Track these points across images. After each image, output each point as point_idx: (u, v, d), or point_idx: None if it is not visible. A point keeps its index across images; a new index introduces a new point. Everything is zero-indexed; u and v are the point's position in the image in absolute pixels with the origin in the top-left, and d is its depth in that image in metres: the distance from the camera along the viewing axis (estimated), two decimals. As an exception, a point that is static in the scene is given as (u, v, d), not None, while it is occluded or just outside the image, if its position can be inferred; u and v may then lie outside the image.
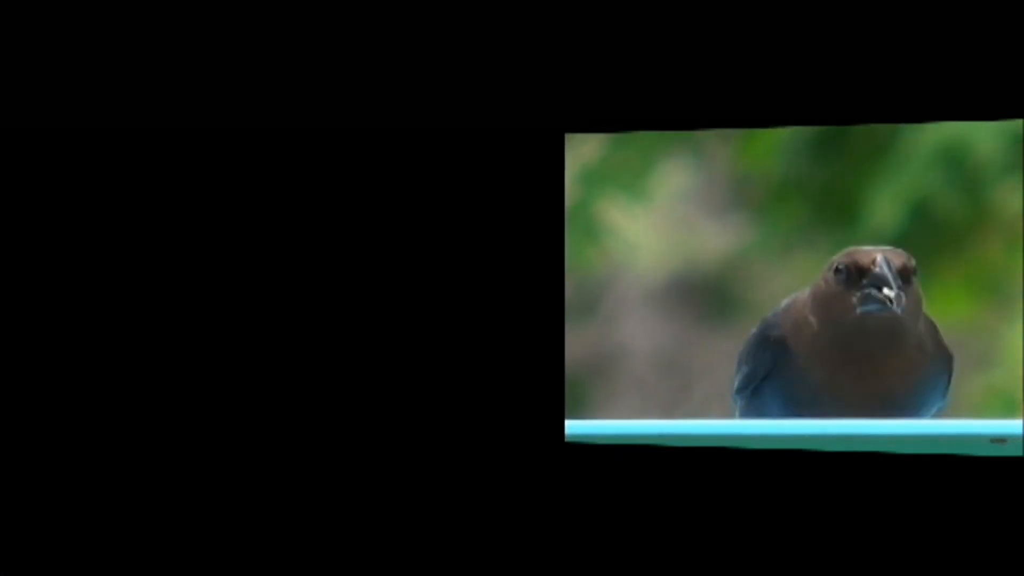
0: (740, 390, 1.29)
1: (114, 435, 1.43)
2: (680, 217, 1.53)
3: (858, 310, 1.20)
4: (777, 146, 1.54)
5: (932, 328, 1.24)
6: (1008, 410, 1.42)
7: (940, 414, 1.26)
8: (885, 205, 1.50)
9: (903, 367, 1.22)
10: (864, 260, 1.20)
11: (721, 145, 1.51)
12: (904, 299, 1.19)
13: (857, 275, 1.20)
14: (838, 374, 1.22)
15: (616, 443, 1.30)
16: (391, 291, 1.38)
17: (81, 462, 1.44)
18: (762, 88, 1.27)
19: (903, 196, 1.50)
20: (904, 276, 1.19)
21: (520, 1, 1.34)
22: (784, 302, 1.28)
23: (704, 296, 1.53)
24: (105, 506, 1.43)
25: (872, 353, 1.21)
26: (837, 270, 1.21)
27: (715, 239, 1.51)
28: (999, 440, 1.18)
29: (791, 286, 1.28)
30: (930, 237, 1.50)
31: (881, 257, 1.19)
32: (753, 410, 1.28)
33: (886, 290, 1.19)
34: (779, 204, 1.53)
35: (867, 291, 1.20)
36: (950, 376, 1.25)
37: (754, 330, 1.29)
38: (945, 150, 1.49)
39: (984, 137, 1.47)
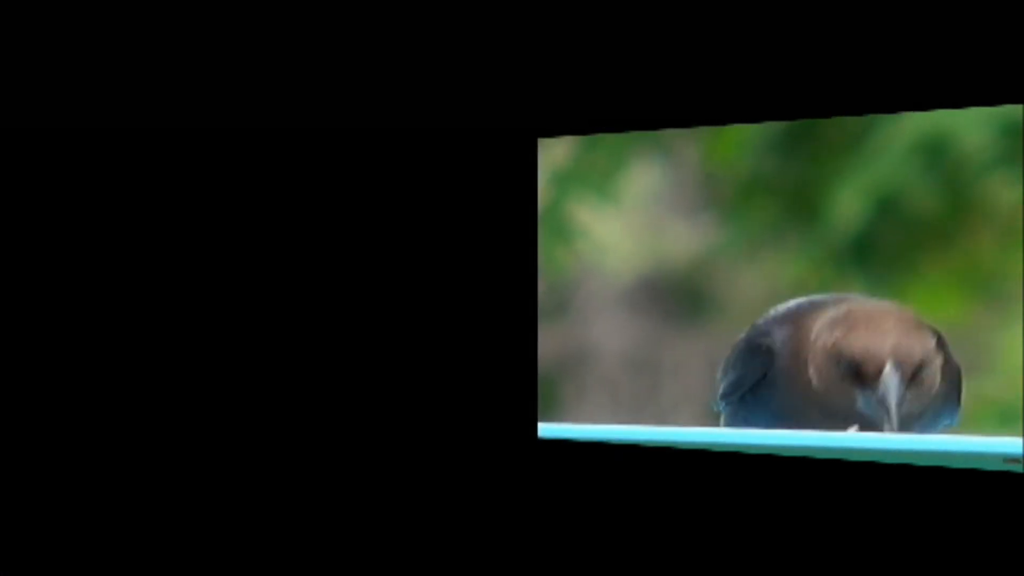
0: (725, 396, 1.24)
1: (109, 434, 1.44)
2: (649, 217, 1.51)
3: (858, 405, 1.14)
4: (746, 143, 1.49)
5: (941, 347, 1.17)
6: (1003, 422, 1.30)
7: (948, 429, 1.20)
8: (856, 201, 1.42)
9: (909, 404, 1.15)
10: (871, 369, 1.12)
11: (689, 144, 1.49)
12: (905, 404, 1.12)
13: (860, 378, 1.14)
14: (838, 418, 1.16)
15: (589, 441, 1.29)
16: (366, 292, 1.39)
17: (81, 462, 1.44)
18: (734, 82, 1.24)
19: (876, 191, 1.43)
20: (917, 371, 1.13)
21: (494, 11, 1.35)
22: (776, 311, 1.22)
23: (673, 296, 1.51)
24: (105, 506, 1.44)
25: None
26: (837, 362, 1.15)
27: (683, 239, 1.49)
28: (1013, 460, 1.09)
29: (759, 285, 1.27)
30: (908, 233, 1.41)
31: (890, 368, 1.12)
32: (739, 418, 1.23)
33: (887, 423, 1.12)
34: (747, 202, 1.49)
35: (870, 398, 1.13)
36: (959, 394, 1.18)
37: (743, 335, 1.23)
38: (925, 141, 1.41)
39: (969, 126, 1.38)
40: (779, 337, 1.19)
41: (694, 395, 1.32)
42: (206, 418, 1.43)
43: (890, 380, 1.11)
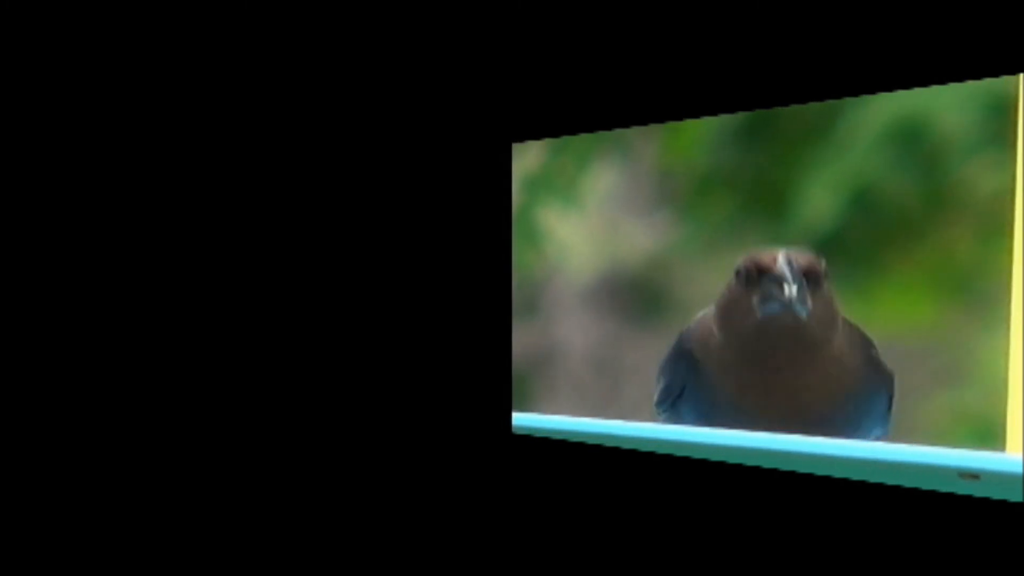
0: (659, 403, 1.25)
1: (106, 433, 1.44)
2: (610, 217, 1.51)
3: (759, 313, 1.12)
4: (703, 137, 1.46)
5: (863, 342, 1.17)
6: (981, 441, 1.19)
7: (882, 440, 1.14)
8: (823, 194, 1.35)
9: (817, 382, 1.13)
10: (765, 260, 1.13)
11: (646, 141, 1.47)
12: (809, 300, 1.11)
13: (757, 275, 1.13)
14: (746, 389, 1.15)
15: (559, 437, 1.31)
16: (351, 293, 1.42)
17: (81, 462, 1.44)
18: (693, 74, 1.24)
19: (844, 183, 1.34)
20: (811, 278, 1.12)
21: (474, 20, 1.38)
22: (700, 313, 1.22)
23: (634, 296, 1.50)
24: (104, 506, 1.44)
25: (779, 365, 1.13)
26: (737, 272, 1.15)
27: (641, 238, 1.48)
28: (970, 475, 1.00)
29: (721, 284, 1.23)
30: (880, 229, 1.32)
31: (783, 256, 1.12)
32: (673, 424, 1.23)
33: (786, 287, 1.11)
34: (704, 199, 1.47)
35: (767, 290, 1.12)
36: (891, 400, 1.12)
37: (673, 342, 1.24)
38: (897, 128, 1.32)
39: (946, 108, 1.28)
40: (694, 340, 1.19)
41: (652, 396, 1.31)
42: (185, 413, 1.44)
43: (784, 263, 1.12)
